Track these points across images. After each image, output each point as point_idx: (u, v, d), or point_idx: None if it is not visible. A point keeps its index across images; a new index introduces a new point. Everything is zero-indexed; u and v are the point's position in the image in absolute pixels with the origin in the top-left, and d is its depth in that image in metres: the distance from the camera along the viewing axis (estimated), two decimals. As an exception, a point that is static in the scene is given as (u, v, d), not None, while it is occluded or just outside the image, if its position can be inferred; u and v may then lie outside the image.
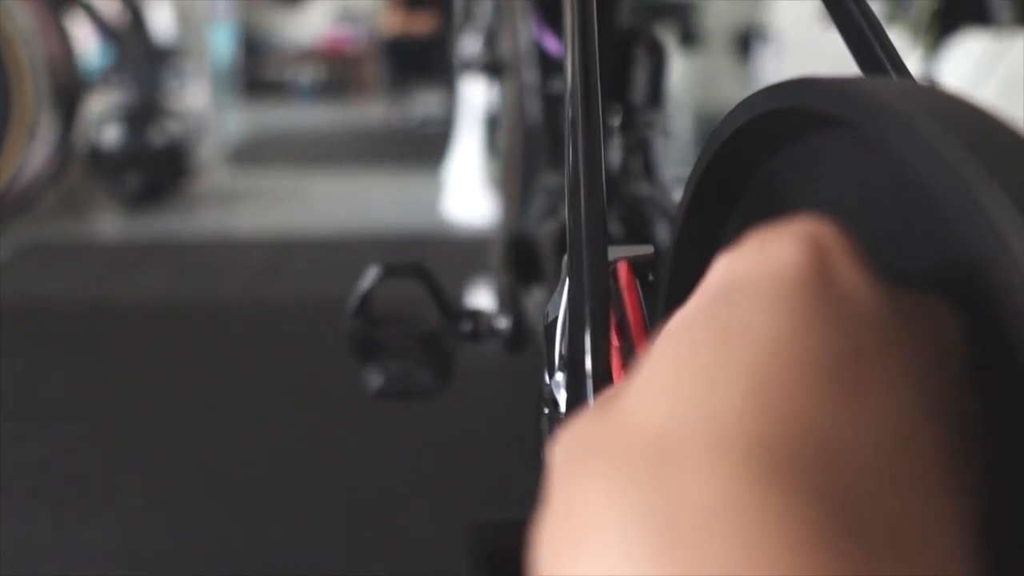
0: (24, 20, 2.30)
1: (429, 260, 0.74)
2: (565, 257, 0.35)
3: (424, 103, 4.84)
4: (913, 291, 0.18)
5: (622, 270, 0.32)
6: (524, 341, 0.75)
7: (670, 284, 0.33)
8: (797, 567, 0.13)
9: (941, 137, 0.17)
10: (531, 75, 0.92)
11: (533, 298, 0.80)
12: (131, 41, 2.69)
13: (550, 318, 0.37)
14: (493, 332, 0.74)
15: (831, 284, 0.17)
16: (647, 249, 0.34)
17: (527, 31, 0.92)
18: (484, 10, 1.72)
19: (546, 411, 0.38)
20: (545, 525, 0.16)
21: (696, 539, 0.13)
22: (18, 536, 1.01)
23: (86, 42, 2.86)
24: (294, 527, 1.03)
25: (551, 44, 0.88)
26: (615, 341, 0.30)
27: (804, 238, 0.17)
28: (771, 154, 0.27)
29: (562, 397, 0.35)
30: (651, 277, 0.33)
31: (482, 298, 1.68)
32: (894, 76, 0.31)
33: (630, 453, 0.15)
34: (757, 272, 0.17)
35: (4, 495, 1.09)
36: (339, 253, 2.23)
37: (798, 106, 0.23)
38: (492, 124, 2.40)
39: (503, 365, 1.41)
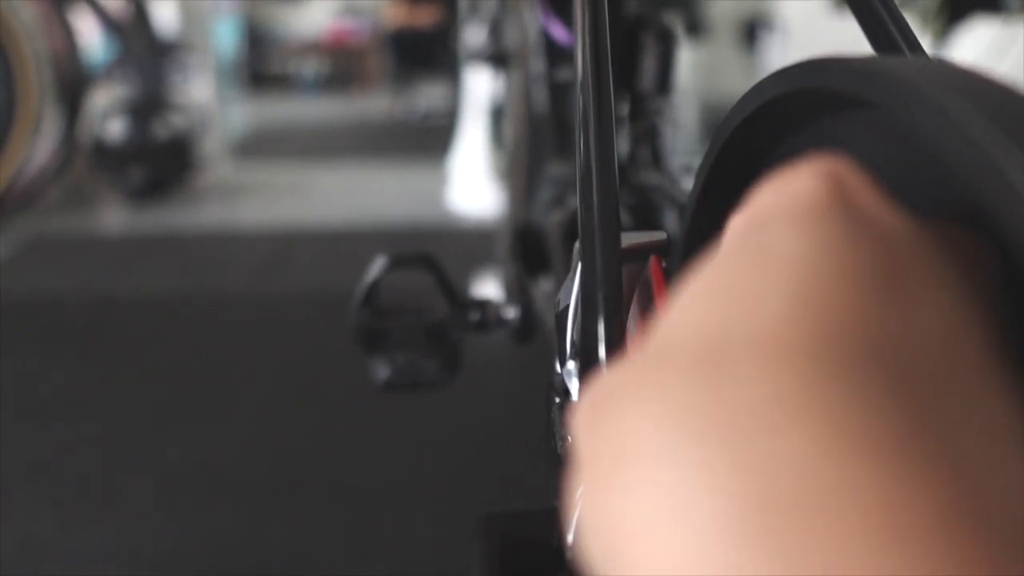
0: (28, 14, 2.30)
1: (434, 252, 0.73)
2: (576, 244, 0.35)
3: (428, 95, 4.83)
4: (938, 222, 0.18)
5: (653, 266, 0.32)
6: (532, 331, 0.75)
7: (681, 273, 0.33)
8: (868, 453, 0.12)
9: (966, 112, 0.17)
10: (537, 64, 0.91)
11: (540, 288, 0.79)
12: (135, 35, 2.69)
13: (561, 306, 0.37)
14: (501, 322, 0.74)
15: (855, 209, 0.17)
16: (660, 235, 0.33)
17: (533, 20, 0.92)
18: (488, 0, 1.72)
19: (557, 400, 0.37)
20: (581, 475, 0.15)
21: (755, 436, 0.13)
22: (19, 536, 1.01)
23: (90, 36, 2.86)
24: (295, 526, 1.02)
25: (557, 32, 0.87)
26: (632, 330, 0.30)
27: (821, 173, 0.17)
28: (783, 139, 0.27)
29: (574, 386, 0.35)
30: (664, 264, 0.33)
31: (488, 289, 1.67)
32: (909, 56, 0.31)
33: (668, 372, 0.14)
34: (778, 206, 0.17)
35: (5, 495, 1.09)
36: (343, 246, 2.23)
37: (813, 87, 0.22)
38: (497, 115, 2.40)
39: (510, 357, 1.41)
